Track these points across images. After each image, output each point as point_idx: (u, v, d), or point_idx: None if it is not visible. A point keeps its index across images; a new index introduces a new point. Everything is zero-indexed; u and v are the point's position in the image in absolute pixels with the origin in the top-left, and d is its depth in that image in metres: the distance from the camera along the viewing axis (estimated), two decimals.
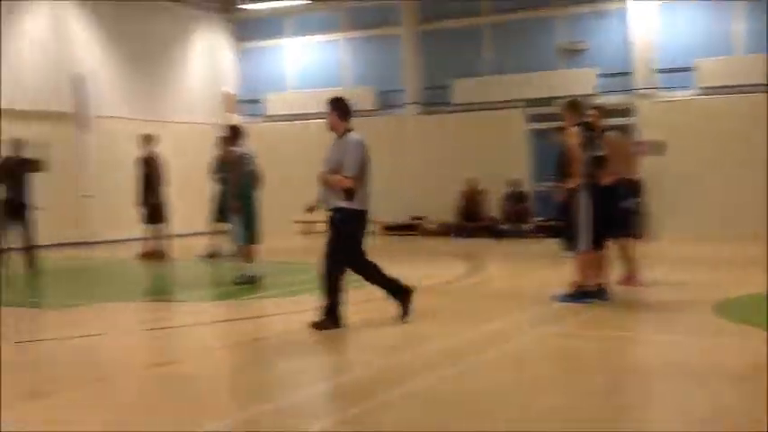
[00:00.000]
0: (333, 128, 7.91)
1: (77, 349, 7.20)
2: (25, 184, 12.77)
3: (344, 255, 7.66)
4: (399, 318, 7.79)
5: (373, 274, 7.86)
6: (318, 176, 7.78)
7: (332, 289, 7.57)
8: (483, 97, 19.93)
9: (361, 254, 7.80)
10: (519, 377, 5.96)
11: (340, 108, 7.91)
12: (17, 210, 12.65)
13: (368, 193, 7.78)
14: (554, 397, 5.28)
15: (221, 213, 13.50)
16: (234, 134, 11.35)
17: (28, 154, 13.07)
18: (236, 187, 10.82)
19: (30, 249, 12.71)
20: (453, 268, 12.58)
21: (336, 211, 7.65)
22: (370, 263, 7.84)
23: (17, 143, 13.01)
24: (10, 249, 12.84)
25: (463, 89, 20.18)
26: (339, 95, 8.17)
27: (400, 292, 7.91)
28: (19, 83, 17.48)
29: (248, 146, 11.27)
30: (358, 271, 7.83)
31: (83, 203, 18.54)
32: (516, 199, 18.82)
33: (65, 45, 18.73)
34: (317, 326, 7.50)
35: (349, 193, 7.57)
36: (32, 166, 12.98)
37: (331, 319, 7.54)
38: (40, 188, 16.61)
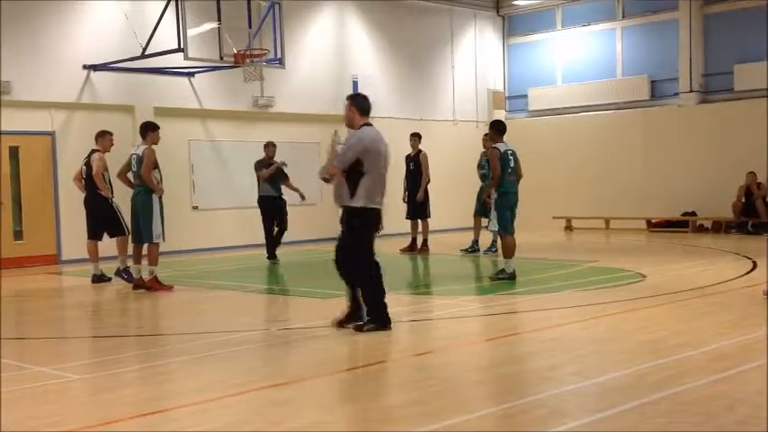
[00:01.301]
0: (349, 123, 7.66)
1: (342, 336, 7.54)
2: (279, 182, 14.39)
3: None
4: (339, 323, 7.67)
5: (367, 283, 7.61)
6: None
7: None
8: None
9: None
10: None
11: (358, 104, 7.66)
12: (276, 205, 14.33)
13: (374, 190, 7.48)
14: None
15: (484, 208, 13.68)
16: (497, 130, 11.38)
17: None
18: (496, 183, 10.85)
19: (280, 239, 14.54)
20: (727, 268, 11.73)
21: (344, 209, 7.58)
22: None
23: (271, 146, 14.51)
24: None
25: (747, 75, 18.67)
26: (359, 93, 7.93)
27: (379, 317, 7.57)
28: (303, 85, 18.71)
29: (510, 142, 11.24)
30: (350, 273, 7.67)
31: None
32: None
33: (346, 47, 19.75)
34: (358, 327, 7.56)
35: (351, 189, 7.40)
36: (281, 168, 14.44)
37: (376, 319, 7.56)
38: (320, 186, 17.74)
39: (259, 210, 14.48)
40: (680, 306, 8.73)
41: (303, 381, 5.89)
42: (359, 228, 7.53)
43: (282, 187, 14.46)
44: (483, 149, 14.50)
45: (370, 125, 7.63)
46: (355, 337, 7.54)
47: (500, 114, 22.18)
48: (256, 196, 14.57)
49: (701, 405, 4.95)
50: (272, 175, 14.21)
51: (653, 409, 4.91)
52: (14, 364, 6.58)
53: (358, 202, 7.45)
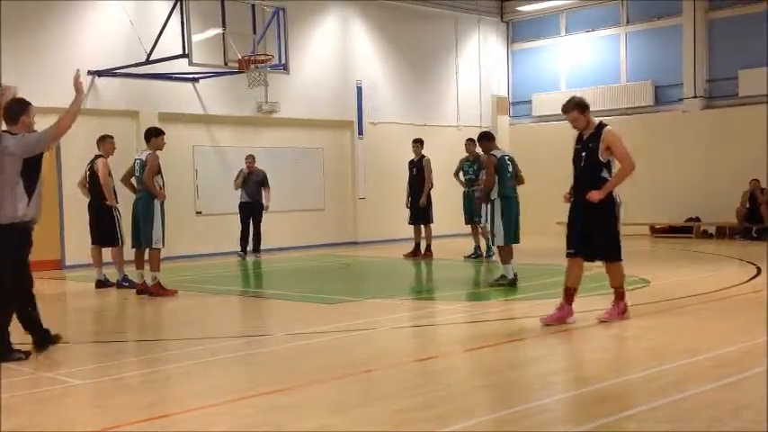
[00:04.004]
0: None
1: (346, 341, 7.59)
2: (261, 190, 16.06)
3: None
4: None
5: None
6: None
7: None
8: None
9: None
10: None
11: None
12: (257, 210, 16.02)
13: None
14: None
15: (471, 212, 13.96)
16: (489, 139, 11.48)
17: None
18: (489, 188, 10.94)
19: (259, 241, 16.15)
20: (731, 274, 11.71)
21: None
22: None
23: (248, 158, 16.10)
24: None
25: (751, 80, 18.63)
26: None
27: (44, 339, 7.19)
28: (307, 91, 18.71)
29: (505, 148, 11.28)
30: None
31: (357, 205, 19.51)
32: None
33: (350, 53, 19.74)
34: None
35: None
36: (265, 178, 16.15)
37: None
38: (324, 191, 18.00)
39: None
40: (683, 312, 8.72)
41: (308, 385, 5.88)
42: None
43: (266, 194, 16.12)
44: (466, 155, 14.69)
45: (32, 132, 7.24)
46: (359, 343, 7.55)
47: (504, 120, 22.21)
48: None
49: (705, 411, 4.93)
50: (243, 183, 15.96)
51: (657, 414, 4.90)
52: (17, 369, 6.58)
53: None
